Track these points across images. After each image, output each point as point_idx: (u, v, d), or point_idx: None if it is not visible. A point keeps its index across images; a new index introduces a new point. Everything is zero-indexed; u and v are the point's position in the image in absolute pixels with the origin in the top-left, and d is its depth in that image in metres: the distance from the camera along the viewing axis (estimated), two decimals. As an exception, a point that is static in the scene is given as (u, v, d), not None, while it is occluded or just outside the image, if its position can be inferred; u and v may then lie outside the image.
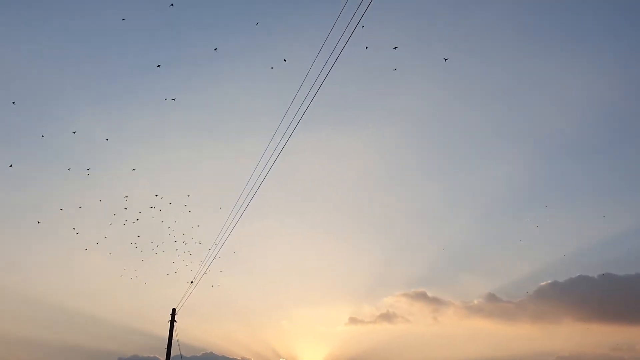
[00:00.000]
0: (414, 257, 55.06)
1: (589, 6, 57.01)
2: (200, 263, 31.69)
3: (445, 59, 28.29)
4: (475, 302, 54.12)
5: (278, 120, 14.70)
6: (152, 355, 46.97)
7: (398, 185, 59.66)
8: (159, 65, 29.55)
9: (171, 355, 26.88)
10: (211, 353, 51.85)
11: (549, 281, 53.68)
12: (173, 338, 27.06)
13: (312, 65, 12.61)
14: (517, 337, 51.67)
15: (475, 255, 57.24)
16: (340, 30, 11.58)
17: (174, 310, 27.51)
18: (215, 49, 28.14)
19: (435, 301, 53.78)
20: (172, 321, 27.26)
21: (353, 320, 51.64)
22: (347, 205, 58.42)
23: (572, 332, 50.13)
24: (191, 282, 26.78)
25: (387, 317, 52.34)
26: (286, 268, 55.10)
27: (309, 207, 57.64)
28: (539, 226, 52.81)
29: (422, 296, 54.15)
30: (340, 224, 57.73)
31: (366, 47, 10.78)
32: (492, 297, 54.06)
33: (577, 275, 52.84)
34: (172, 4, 27.40)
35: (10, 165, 40.58)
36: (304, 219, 57.14)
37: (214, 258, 23.83)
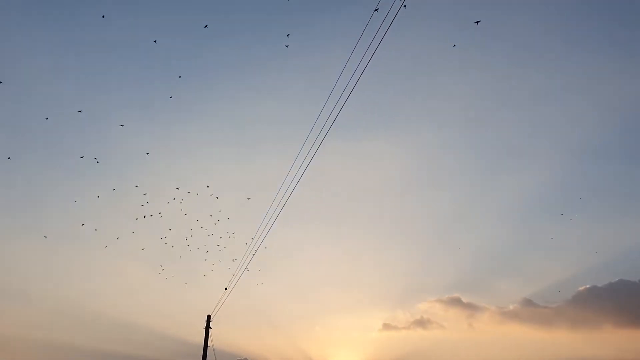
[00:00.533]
0: (448, 262, 54.31)
1: (626, 9, 55.58)
2: (234, 259, 31.67)
3: (477, 22, 27.35)
4: (511, 307, 53.02)
5: (309, 126, 14.80)
6: (187, 362, 47.41)
7: (431, 189, 59.08)
8: (155, 41, 28.58)
9: (207, 362, 27.16)
10: (245, 359, 52.15)
11: (588, 286, 52.26)
12: (208, 345, 27.34)
13: (344, 68, 12.66)
14: (554, 343, 50.36)
15: (510, 259, 56.14)
16: (370, 35, 11.61)
17: (209, 316, 27.79)
18: (206, 26, 27.88)
19: (470, 307, 52.90)
20: (207, 328, 27.53)
21: (387, 327, 51.21)
22: (380, 211, 58.11)
23: (612, 338, 48.62)
24: (225, 289, 27.04)
25: (421, 323, 51.70)
26: (319, 274, 55.08)
27: (341, 213, 57.51)
28: (578, 229, 51.59)
29: (456, 302, 53.36)
30: (373, 230, 57.46)
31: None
32: (528, 302, 52.87)
33: (617, 279, 51.24)
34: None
35: (9, 158, 37.10)
36: (337, 225, 57.02)
37: (253, 254, 23.57)
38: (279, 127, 56.47)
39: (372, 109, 55.80)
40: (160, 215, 33.32)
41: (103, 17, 32.36)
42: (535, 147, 58.26)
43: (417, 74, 56.40)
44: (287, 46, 25.67)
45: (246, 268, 25.01)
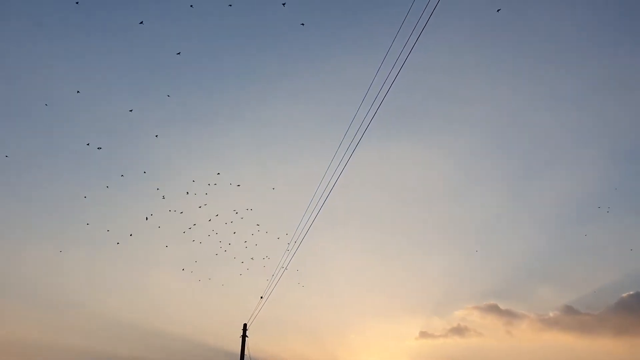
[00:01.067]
0: (485, 269, 53.24)
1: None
2: (267, 257, 31.19)
3: (498, 10, 27.33)
4: (551, 314, 51.57)
5: (344, 129, 14.73)
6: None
7: (468, 194, 58.11)
8: (141, 22, 27.48)
9: (244, 371, 27.18)
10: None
11: (632, 292, 50.52)
12: (245, 353, 27.38)
13: (378, 70, 12.53)
14: (597, 352, 48.75)
15: (550, 265, 54.64)
16: (405, 35, 11.48)
17: (245, 325, 27.86)
18: (192, 6, 27.39)
19: (508, 314, 51.67)
20: (244, 336, 27.58)
21: (424, 335, 50.42)
22: (416, 216, 57.43)
23: (659, 346, 46.79)
24: (261, 297, 27.08)
25: (458, 330, 50.75)
26: (355, 281, 54.64)
27: (377, 219, 57.02)
28: (618, 232, 50.05)
29: (494, 309, 52.19)
30: (408, 235, 56.81)
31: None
32: (569, 309, 51.35)
33: (663, 285, 49.43)
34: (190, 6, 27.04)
35: (7, 156, 35.05)
36: (372, 230, 56.57)
37: (289, 250, 23.13)
38: (311, 129, 56.34)
39: (407, 112, 55.42)
40: (175, 211, 32.34)
41: (77, 2, 29.90)
42: (571, 150, 56.89)
43: (452, 76, 55.86)
44: (302, 24, 25.95)
45: (285, 268, 24.50)
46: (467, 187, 58.07)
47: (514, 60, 54.74)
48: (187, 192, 32.27)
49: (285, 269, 24.29)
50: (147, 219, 32.07)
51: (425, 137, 57.81)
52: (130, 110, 34.69)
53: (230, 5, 27.20)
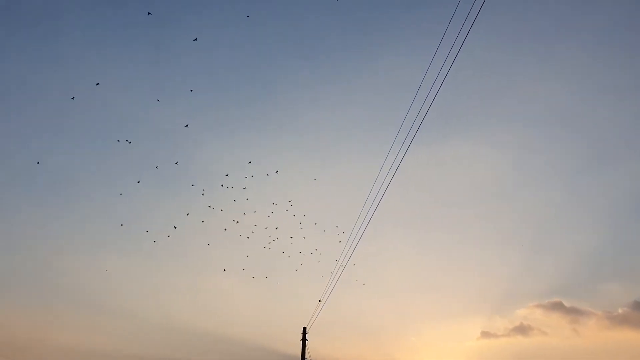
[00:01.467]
0: (548, 266, 51.55)
1: None
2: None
3: None
4: (620, 311, 49.37)
5: (396, 130, 14.68)
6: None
7: (529, 189, 56.49)
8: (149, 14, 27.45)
9: (304, 374, 27.37)
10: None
11: None
12: (305, 357, 27.59)
13: (427, 69, 12.41)
14: (671, 350, 46.41)
15: (616, 260, 52.31)
16: (453, 34, 11.33)
17: (304, 329, 28.08)
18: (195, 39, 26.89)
19: (574, 311, 49.84)
20: (304, 340, 27.79)
21: (485, 335, 49.32)
22: (475, 215, 56.29)
23: None
24: (319, 301, 27.21)
25: (521, 329, 49.38)
26: (414, 282, 54.07)
27: (435, 219, 56.19)
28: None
29: (558, 306, 50.47)
30: (468, 235, 55.72)
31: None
32: (639, 306, 49.08)
33: None
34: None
35: (38, 163, 36.91)
36: (431, 231, 55.84)
37: (354, 248, 22.76)
38: (362, 131, 56.19)
39: (462, 110, 54.65)
40: (213, 207, 32.20)
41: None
42: (629, 142, 54.49)
43: (503, 72, 54.75)
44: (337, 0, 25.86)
45: (344, 266, 24.06)
46: (527, 183, 56.61)
47: (566, 56, 53.20)
48: (223, 185, 32.15)
49: (344, 266, 23.90)
50: (175, 227, 32.32)
51: (481, 135, 56.82)
52: (158, 100, 35.84)
53: (248, 16, 26.98)
